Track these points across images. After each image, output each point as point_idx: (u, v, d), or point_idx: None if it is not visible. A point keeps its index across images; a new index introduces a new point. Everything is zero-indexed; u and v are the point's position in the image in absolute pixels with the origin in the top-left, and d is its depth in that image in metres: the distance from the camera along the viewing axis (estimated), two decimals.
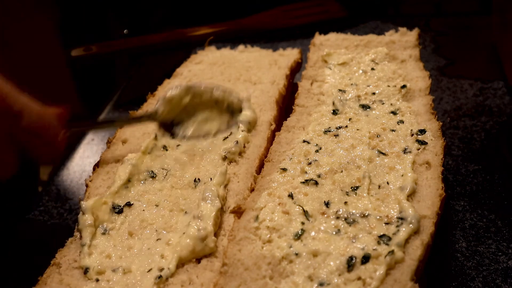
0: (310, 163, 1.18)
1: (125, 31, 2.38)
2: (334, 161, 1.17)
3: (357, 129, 1.27)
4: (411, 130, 1.25)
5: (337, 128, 1.28)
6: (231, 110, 1.38)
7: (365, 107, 1.36)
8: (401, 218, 1.01)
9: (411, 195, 1.08)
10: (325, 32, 1.74)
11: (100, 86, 2.61)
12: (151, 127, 1.39)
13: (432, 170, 1.14)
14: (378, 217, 1.02)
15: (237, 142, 1.27)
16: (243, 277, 0.95)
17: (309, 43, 1.70)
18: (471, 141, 1.54)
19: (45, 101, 1.06)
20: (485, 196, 1.34)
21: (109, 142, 1.36)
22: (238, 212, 1.09)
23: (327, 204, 1.07)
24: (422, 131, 1.24)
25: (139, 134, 1.38)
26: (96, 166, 1.29)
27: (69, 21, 2.51)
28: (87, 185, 1.23)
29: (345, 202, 1.07)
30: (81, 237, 1.08)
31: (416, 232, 0.99)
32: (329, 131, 1.28)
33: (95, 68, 2.45)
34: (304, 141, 1.25)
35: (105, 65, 2.36)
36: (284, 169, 1.17)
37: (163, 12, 2.54)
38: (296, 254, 0.97)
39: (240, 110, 1.37)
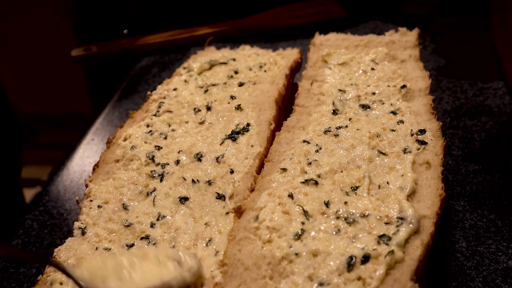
0: (310, 163, 1.18)
1: (125, 31, 2.38)
2: (334, 161, 1.17)
3: (357, 129, 1.27)
4: (411, 130, 1.25)
5: (337, 128, 1.28)
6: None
7: (365, 107, 1.36)
8: (401, 218, 1.01)
9: (411, 195, 1.08)
10: (325, 32, 1.74)
11: (101, 86, 2.61)
12: (151, 127, 1.39)
13: (432, 170, 1.14)
14: (378, 217, 1.02)
15: None
16: (243, 277, 0.95)
17: (309, 43, 1.69)
18: (471, 141, 1.54)
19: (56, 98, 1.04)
20: (485, 196, 1.34)
21: (109, 142, 1.36)
22: (238, 212, 1.09)
23: (327, 204, 1.07)
24: (422, 131, 1.24)
25: (139, 134, 1.37)
26: (96, 166, 1.29)
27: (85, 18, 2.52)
28: (87, 185, 1.23)
29: (345, 202, 1.07)
30: None
31: (416, 232, 0.99)
32: (329, 131, 1.28)
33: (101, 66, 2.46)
34: (304, 141, 1.25)
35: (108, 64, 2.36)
36: (284, 169, 1.17)
37: (163, 12, 2.54)
38: (296, 254, 0.97)
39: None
